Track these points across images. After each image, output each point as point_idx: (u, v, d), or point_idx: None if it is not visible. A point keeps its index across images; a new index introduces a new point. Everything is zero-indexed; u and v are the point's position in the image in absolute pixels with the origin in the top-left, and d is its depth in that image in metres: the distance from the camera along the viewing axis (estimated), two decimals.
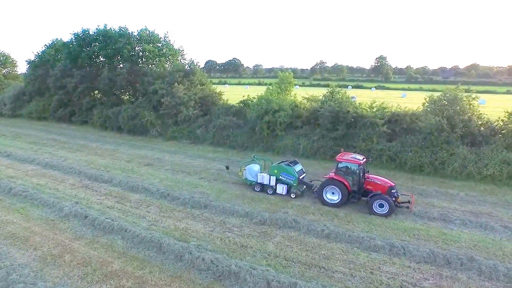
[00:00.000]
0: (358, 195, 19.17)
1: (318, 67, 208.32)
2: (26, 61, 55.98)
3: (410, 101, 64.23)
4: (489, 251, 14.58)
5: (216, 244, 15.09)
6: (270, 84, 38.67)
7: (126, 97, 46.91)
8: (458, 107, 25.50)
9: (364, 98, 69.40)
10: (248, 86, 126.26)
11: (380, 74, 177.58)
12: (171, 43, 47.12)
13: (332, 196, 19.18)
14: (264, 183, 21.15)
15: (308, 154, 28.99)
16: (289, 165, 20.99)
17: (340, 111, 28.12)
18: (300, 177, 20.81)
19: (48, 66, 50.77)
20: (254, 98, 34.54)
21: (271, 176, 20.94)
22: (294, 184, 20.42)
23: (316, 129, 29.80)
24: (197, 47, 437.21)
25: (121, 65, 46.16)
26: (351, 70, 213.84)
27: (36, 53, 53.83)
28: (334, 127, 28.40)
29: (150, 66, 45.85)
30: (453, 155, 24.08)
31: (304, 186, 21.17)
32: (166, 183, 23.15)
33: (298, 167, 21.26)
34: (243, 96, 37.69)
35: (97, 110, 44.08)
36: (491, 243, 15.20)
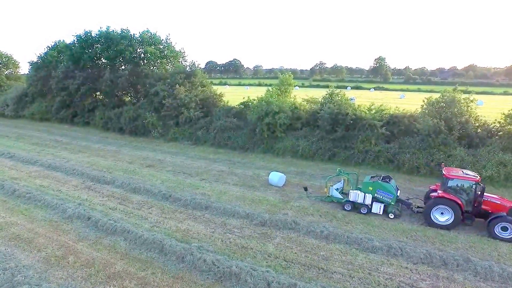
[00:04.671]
0: (472, 216, 17.21)
1: (318, 68, 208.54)
2: (29, 62, 56.42)
3: (409, 102, 64.55)
4: (485, 252, 14.85)
5: (217, 245, 15.34)
6: (270, 85, 38.90)
7: (127, 99, 47.26)
8: (456, 109, 25.74)
9: (363, 98, 69.98)
10: (248, 87, 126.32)
11: (379, 75, 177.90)
12: (172, 45, 47.62)
13: (442, 216, 17.15)
14: (358, 201, 18.89)
15: (307, 155, 29.25)
16: (386, 181, 19.01)
17: (339, 113, 28.43)
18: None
19: (50, 68, 51.03)
20: (254, 99, 34.82)
21: (366, 194, 18.82)
22: (392, 203, 18.43)
23: (316, 131, 30.07)
24: (197, 48, 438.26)
25: (123, 67, 46.38)
26: (350, 71, 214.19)
27: (39, 55, 54.19)
28: (333, 128, 28.69)
29: (151, 68, 46.28)
30: (451, 157, 24.34)
31: (401, 205, 19.12)
32: (168, 184, 23.41)
33: (393, 184, 19.32)
34: (243, 98, 37.99)
35: (99, 112, 44.43)
36: (487, 244, 15.46)
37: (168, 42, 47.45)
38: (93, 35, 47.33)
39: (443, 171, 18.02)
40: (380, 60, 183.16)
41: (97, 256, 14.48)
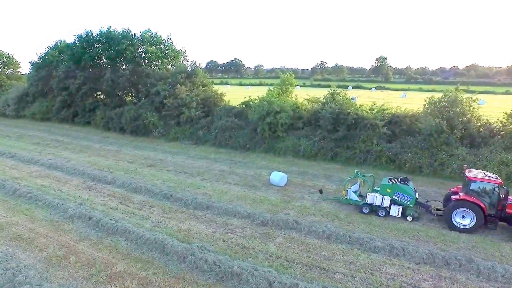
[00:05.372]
0: (496, 219, 16.55)
1: (319, 67, 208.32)
2: (30, 62, 56.55)
3: (410, 101, 64.36)
4: (487, 252, 14.79)
5: (219, 245, 15.31)
6: (272, 85, 38.87)
7: (128, 98, 47.27)
8: (458, 109, 25.69)
9: (365, 98, 69.88)
10: (249, 86, 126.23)
11: (380, 74, 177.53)
12: (173, 44, 47.66)
13: (463, 220, 16.61)
14: (376, 204, 18.44)
15: (308, 155, 29.21)
16: (404, 183, 18.56)
17: (341, 113, 28.38)
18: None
19: (51, 67, 51.16)
20: (255, 99, 34.79)
21: (384, 196, 18.35)
22: (411, 206, 17.99)
23: (317, 131, 30.01)
24: (198, 48, 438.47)
25: (124, 67, 46.47)
26: (352, 70, 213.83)
27: (40, 54, 54.37)
28: (334, 128, 28.64)
29: (152, 67, 46.32)
30: (453, 156, 24.30)
31: (419, 207, 18.68)
32: (169, 184, 23.37)
33: (411, 186, 18.92)
34: (245, 97, 37.98)
35: (100, 111, 44.46)
36: (489, 244, 15.40)
37: (169, 41, 47.55)
38: (94, 35, 47.38)
39: (466, 173, 17.50)
40: (381, 60, 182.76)
41: (98, 256, 14.46)
